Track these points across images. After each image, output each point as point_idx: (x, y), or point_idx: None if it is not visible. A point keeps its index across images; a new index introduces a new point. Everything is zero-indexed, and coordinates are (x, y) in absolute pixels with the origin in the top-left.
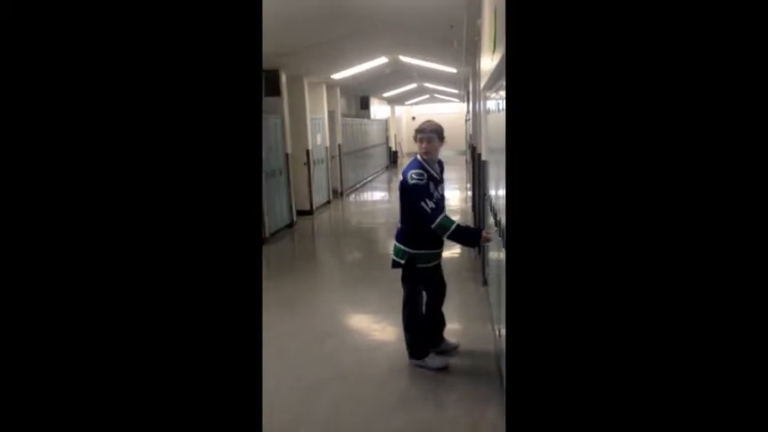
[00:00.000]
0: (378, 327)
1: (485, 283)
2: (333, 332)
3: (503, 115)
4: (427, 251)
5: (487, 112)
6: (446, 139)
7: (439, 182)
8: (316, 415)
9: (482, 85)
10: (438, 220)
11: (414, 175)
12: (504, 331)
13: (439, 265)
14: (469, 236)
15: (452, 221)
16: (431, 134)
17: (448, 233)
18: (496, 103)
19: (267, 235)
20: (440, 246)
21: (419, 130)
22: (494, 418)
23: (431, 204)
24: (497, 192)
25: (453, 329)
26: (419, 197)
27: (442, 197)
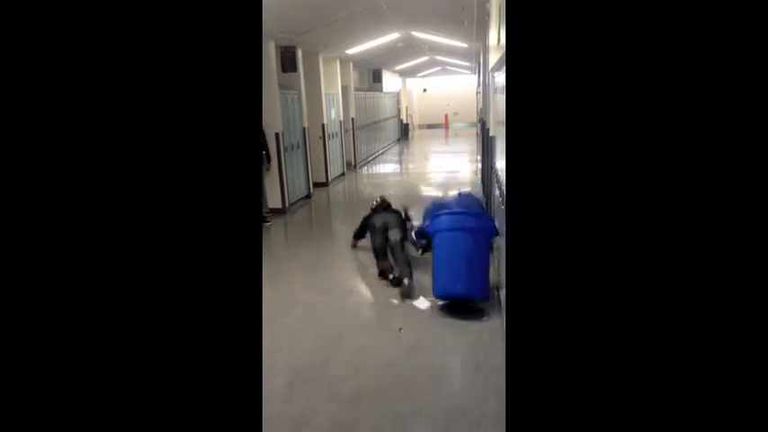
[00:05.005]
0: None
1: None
2: (353, 290)
3: None
4: None
5: (495, 91)
6: (458, 112)
7: None
8: (344, 356)
9: (490, 66)
10: None
11: None
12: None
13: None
14: None
15: None
16: None
17: None
18: (503, 83)
19: (287, 205)
20: None
21: None
22: (497, 359)
23: None
24: (503, 165)
25: None
26: None
27: None
